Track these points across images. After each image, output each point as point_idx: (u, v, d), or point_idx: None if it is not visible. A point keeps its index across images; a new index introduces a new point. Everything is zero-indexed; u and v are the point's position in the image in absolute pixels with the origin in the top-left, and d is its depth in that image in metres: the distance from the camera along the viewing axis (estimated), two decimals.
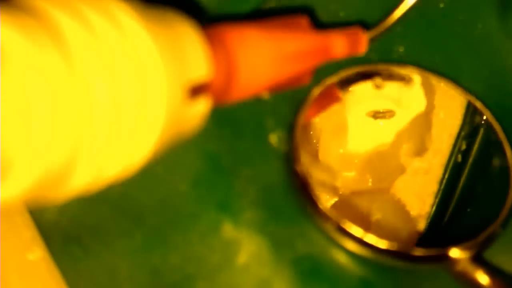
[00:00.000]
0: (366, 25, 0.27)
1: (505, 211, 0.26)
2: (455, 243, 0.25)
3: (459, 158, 0.29)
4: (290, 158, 0.27)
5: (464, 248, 0.25)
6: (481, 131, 0.29)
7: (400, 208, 0.28)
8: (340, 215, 0.25)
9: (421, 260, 0.25)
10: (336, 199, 0.28)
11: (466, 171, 0.29)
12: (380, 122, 0.29)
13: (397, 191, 0.29)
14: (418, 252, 0.25)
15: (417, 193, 0.29)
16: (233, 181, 0.27)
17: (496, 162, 0.28)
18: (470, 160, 0.29)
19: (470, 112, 0.29)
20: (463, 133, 0.29)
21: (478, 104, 0.28)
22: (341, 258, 0.27)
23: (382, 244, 0.25)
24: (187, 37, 0.20)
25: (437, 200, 0.29)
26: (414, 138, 0.29)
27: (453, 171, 0.29)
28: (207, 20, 0.22)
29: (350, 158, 0.29)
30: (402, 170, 0.29)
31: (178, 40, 0.20)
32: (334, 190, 0.28)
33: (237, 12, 0.29)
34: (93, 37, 0.17)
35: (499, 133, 0.27)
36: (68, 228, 0.27)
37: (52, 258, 0.26)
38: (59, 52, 0.16)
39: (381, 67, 0.29)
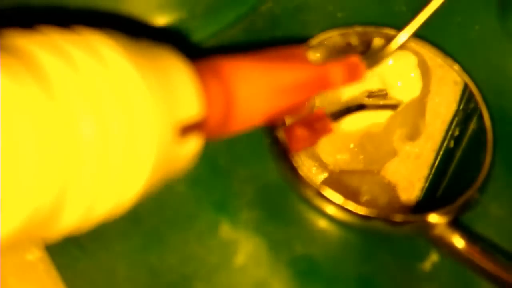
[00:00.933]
0: (364, 23, 0.27)
1: (481, 177, 0.26)
2: (434, 208, 0.26)
3: (451, 144, 0.29)
4: (271, 125, 0.27)
5: (442, 214, 0.26)
6: (475, 118, 0.29)
7: (389, 191, 0.29)
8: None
9: (401, 225, 0.26)
10: (326, 174, 0.28)
11: (457, 157, 0.29)
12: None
13: (388, 174, 0.29)
14: (398, 218, 0.26)
15: (408, 177, 0.29)
16: (230, 182, 0.27)
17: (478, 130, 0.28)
18: (462, 146, 0.29)
19: (465, 99, 0.29)
20: (456, 119, 0.29)
21: (474, 90, 0.28)
22: (338, 257, 0.27)
23: (362, 210, 0.25)
24: (178, 73, 0.19)
25: (427, 184, 0.29)
26: (408, 123, 0.29)
27: (444, 156, 0.29)
28: (201, 53, 0.21)
29: (345, 140, 0.29)
30: (394, 153, 0.29)
31: (168, 76, 0.19)
32: (324, 166, 0.28)
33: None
34: (75, 71, 0.16)
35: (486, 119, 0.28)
36: None
37: (51, 259, 0.26)
38: (40, 87, 0.16)
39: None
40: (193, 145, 0.20)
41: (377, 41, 0.29)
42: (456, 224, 0.26)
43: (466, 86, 0.29)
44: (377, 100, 0.29)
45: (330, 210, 0.26)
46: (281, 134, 0.26)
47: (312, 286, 0.26)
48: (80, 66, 0.17)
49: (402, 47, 0.26)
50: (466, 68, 0.29)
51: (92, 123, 0.16)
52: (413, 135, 0.29)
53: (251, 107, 0.22)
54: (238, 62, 0.22)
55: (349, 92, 0.29)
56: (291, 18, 0.30)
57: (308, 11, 0.30)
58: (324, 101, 0.28)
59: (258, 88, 0.22)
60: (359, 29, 0.29)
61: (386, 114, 0.28)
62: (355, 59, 0.25)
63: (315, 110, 0.27)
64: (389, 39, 0.26)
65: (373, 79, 0.29)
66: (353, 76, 0.25)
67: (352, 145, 0.28)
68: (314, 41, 0.28)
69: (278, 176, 0.27)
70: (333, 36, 0.29)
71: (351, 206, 0.25)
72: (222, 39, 0.29)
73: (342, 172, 0.28)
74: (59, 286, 0.26)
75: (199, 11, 0.29)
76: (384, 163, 0.29)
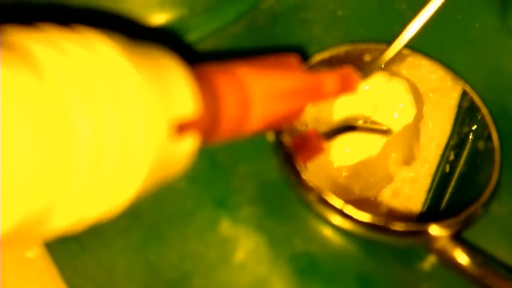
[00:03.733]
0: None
1: (487, 192, 0.26)
2: (437, 218, 0.26)
3: (447, 168, 0.29)
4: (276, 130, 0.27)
5: (444, 226, 0.26)
6: (469, 141, 0.29)
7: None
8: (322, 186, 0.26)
9: (401, 235, 0.26)
10: None
11: (453, 181, 0.29)
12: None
13: (384, 200, 0.29)
14: (398, 226, 0.25)
15: (404, 202, 0.29)
16: (231, 178, 0.27)
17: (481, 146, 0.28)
18: (458, 170, 0.29)
19: (459, 122, 0.29)
20: (451, 143, 0.29)
21: (476, 99, 0.28)
22: (338, 254, 0.27)
23: (362, 216, 0.25)
24: (173, 73, 0.19)
25: (424, 209, 0.29)
26: (402, 147, 0.29)
27: (441, 181, 0.29)
28: (195, 58, 0.21)
29: (338, 171, 0.29)
30: (389, 179, 0.29)
31: (164, 75, 0.19)
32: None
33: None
34: (68, 61, 0.16)
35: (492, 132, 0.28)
36: None
37: (50, 255, 0.26)
38: (34, 75, 0.15)
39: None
40: (189, 144, 0.20)
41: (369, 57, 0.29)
42: (458, 238, 0.26)
43: (461, 108, 0.29)
44: (368, 124, 0.29)
45: (332, 217, 0.26)
46: (286, 138, 0.26)
47: (312, 283, 0.26)
48: (74, 57, 0.17)
49: (395, 58, 0.27)
50: (466, 71, 0.29)
51: (86, 116, 0.16)
52: (408, 159, 0.29)
53: (242, 113, 0.22)
54: (230, 67, 0.22)
55: (341, 114, 0.29)
56: (291, 15, 0.30)
57: (308, 9, 0.30)
58: (315, 122, 0.29)
59: (250, 94, 0.22)
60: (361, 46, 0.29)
61: (378, 145, 0.29)
62: (348, 69, 0.25)
63: (308, 130, 0.27)
64: (382, 51, 0.26)
65: (366, 106, 0.29)
66: (346, 86, 0.25)
67: (345, 173, 0.28)
68: (316, 58, 0.28)
69: (279, 173, 0.27)
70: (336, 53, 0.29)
71: (352, 211, 0.25)
72: (222, 36, 0.29)
73: None
74: (58, 282, 0.26)
75: (199, 9, 0.29)
76: (380, 189, 0.29)
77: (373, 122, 0.29)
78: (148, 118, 0.17)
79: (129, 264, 0.26)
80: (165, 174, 0.20)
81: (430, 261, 0.27)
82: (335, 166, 0.28)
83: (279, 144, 0.27)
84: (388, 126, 0.29)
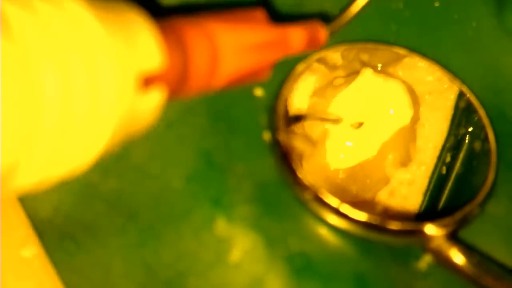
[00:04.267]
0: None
1: (483, 192, 0.26)
2: (431, 219, 0.26)
3: (444, 170, 0.29)
4: (272, 127, 0.27)
5: (440, 225, 0.26)
6: (466, 143, 0.29)
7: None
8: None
9: (397, 234, 0.26)
10: None
11: (450, 182, 0.29)
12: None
13: (381, 201, 0.29)
14: (394, 226, 0.25)
15: (401, 203, 0.29)
16: (227, 177, 0.27)
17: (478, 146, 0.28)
18: (454, 172, 0.29)
19: (455, 124, 0.29)
20: (448, 145, 0.29)
21: (473, 100, 0.28)
22: (335, 253, 0.27)
23: (358, 215, 0.25)
24: (139, 27, 0.19)
25: (421, 210, 0.29)
26: (399, 149, 0.29)
27: (437, 182, 0.29)
28: (162, 12, 0.21)
29: (335, 173, 0.29)
30: (386, 180, 0.29)
31: (129, 29, 0.19)
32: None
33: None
34: (36, 17, 0.16)
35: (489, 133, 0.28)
36: (62, 224, 0.27)
37: (47, 255, 0.26)
38: (3, 36, 0.16)
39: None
40: (156, 98, 0.20)
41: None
42: (454, 238, 0.26)
43: (458, 109, 0.29)
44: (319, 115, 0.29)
45: (328, 216, 0.26)
46: (282, 137, 0.26)
47: (308, 283, 0.26)
48: (43, 16, 0.17)
49: (362, 10, 0.27)
50: (463, 70, 0.29)
51: (54, 73, 0.16)
52: (404, 160, 0.29)
53: (209, 65, 0.22)
54: (196, 21, 0.22)
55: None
56: (288, 13, 0.30)
57: (304, 8, 0.30)
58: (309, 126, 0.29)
59: (216, 46, 0.22)
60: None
61: (375, 147, 0.29)
62: (315, 23, 0.25)
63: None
64: (348, 4, 0.26)
65: (362, 107, 0.29)
66: (314, 40, 0.25)
67: (341, 175, 0.28)
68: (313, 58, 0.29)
69: (275, 172, 0.27)
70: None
71: (347, 210, 0.25)
72: None
73: None
74: (55, 282, 0.26)
75: None
76: (376, 191, 0.29)
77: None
78: (115, 73, 0.18)
79: (125, 263, 0.26)
80: (132, 128, 0.20)
81: (426, 260, 0.26)
82: (332, 168, 0.28)
83: (275, 143, 0.27)
84: (337, 116, 0.29)
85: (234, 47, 0.22)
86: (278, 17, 0.25)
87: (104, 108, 0.17)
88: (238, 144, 0.28)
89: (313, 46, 0.25)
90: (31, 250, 0.26)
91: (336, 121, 0.28)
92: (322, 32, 0.25)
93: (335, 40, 0.28)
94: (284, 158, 0.27)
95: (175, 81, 0.21)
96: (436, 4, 0.31)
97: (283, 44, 0.24)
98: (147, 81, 0.19)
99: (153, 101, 0.20)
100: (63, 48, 0.17)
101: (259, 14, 0.24)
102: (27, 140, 0.16)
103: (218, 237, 0.26)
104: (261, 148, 0.28)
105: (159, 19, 0.21)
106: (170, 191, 0.27)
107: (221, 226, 0.26)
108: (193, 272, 0.26)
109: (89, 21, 0.18)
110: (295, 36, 0.24)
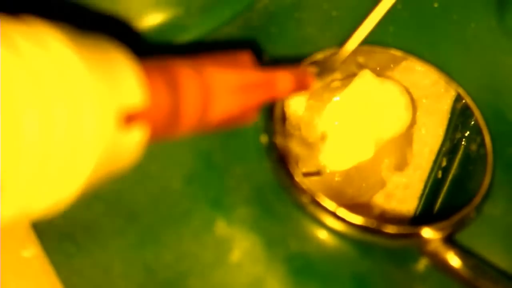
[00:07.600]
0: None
1: (480, 195, 0.27)
2: (428, 223, 0.26)
3: (439, 174, 0.29)
4: (269, 131, 0.27)
5: (436, 229, 0.26)
6: (462, 147, 0.29)
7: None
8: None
9: (393, 238, 0.26)
10: None
11: (446, 187, 0.29)
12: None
13: (377, 205, 0.29)
14: (390, 229, 0.26)
15: (397, 207, 0.29)
16: (226, 179, 0.27)
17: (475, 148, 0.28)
18: (450, 176, 0.29)
19: (452, 128, 0.29)
20: (444, 149, 0.30)
21: (469, 102, 0.29)
22: (333, 254, 0.27)
23: (354, 219, 0.25)
24: (121, 65, 0.20)
25: (416, 214, 0.29)
26: (395, 153, 0.29)
27: (433, 187, 0.29)
28: (149, 52, 0.21)
29: (331, 176, 0.29)
30: (382, 184, 0.29)
31: (111, 67, 0.19)
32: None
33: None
34: (21, 60, 0.17)
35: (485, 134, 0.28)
36: (62, 225, 0.27)
37: (46, 255, 0.26)
38: None
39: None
40: (137, 135, 0.20)
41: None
42: (451, 241, 0.26)
43: (454, 114, 0.29)
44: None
45: (325, 219, 0.27)
46: (279, 140, 0.26)
47: (307, 283, 0.26)
48: (26, 56, 0.17)
49: (352, 53, 0.27)
50: (461, 71, 0.29)
51: (35, 111, 0.16)
52: (401, 164, 0.29)
53: (196, 107, 0.22)
54: (183, 63, 0.22)
55: (333, 118, 0.29)
56: (286, 15, 0.30)
57: (303, 9, 0.30)
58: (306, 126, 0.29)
59: (223, 87, 0.22)
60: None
61: (371, 150, 0.29)
62: (303, 68, 0.25)
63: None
64: (339, 48, 0.27)
65: (359, 110, 0.29)
66: (301, 85, 0.25)
67: (337, 178, 0.28)
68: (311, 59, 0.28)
69: (272, 175, 0.27)
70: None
71: (344, 214, 0.26)
72: (217, 36, 0.29)
73: None
74: (54, 283, 0.26)
75: (195, 9, 0.29)
76: (372, 195, 0.29)
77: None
78: (95, 109, 0.18)
79: (125, 264, 0.26)
80: (113, 166, 0.20)
81: (424, 262, 0.27)
82: (328, 171, 0.29)
83: (272, 147, 0.27)
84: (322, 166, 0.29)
85: (225, 88, 0.22)
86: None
87: (85, 143, 0.18)
88: (236, 146, 0.28)
89: (301, 90, 0.25)
90: (31, 250, 0.27)
91: (318, 173, 0.29)
92: (310, 77, 0.25)
93: (334, 41, 0.29)
94: (281, 161, 0.27)
95: (164, 119, 0.21)
96: (435, 5, 0.31)
97: (270, 87, 0.24)
98: (129, 118, 0.19)
99: (134, 138, 0.20)
100: (45, 87, 0.17)
101: (246, 58, 0.24)
102: (6, 173, 0.16)
103: (218, 238, 0.26)
104: (258, 151, 0.28)
105: (150, 58, 0.21)
106: (170, 192, 0.27)
107: (221, 227, 0.27)
108: (193, 273, 0.26)
109: (72, 60, 0.18)
110: (282, 80, 0.24)
